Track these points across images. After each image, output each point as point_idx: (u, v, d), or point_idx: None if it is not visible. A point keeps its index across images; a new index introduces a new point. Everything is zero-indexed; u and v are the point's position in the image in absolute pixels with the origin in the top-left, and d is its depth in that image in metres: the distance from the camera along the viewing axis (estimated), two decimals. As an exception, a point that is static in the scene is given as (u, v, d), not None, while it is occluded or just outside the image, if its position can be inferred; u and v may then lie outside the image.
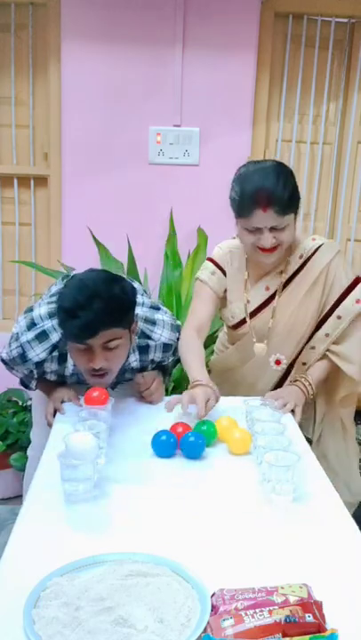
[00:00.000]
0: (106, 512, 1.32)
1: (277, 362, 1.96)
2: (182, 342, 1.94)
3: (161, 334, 1.88)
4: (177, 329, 1.94)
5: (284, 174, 1.75)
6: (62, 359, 1.80)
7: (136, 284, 1.93)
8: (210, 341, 2.27)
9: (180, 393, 1.79)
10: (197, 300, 2.00)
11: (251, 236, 1.77)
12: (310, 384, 1.90)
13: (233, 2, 2.97)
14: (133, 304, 1.70)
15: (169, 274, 3.04)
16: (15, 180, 3.20)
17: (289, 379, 1.97)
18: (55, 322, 1.75)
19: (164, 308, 1.96)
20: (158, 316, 1.89)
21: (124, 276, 1.82)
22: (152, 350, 1.88)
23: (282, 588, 0.98)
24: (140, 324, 1.83)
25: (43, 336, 1.77)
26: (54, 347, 1.78)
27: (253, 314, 1.94)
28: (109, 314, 1.60)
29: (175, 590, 1.02)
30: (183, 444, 1.55)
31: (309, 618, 0.92)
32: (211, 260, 2.00)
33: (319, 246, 1.90)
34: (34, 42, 3.08)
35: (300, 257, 1.89)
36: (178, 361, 2.09)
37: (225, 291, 1.98)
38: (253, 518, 1.30)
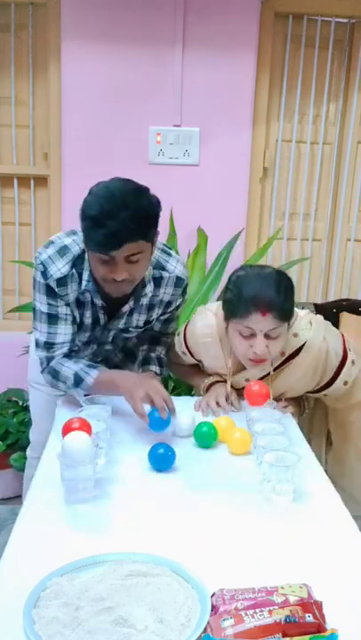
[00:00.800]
0: (106, 512, 1.32)
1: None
2: (174, 361, 2.03)
3: (175, 266, 1.84)
4: (187, 270, 1.91)
5: (285, 283, 1.70)
6: (78, 277, 1.74)
7: None
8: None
9: (181, 393, 1.80)
10: (179, 355, 1.99)
11: (243, 342, 1.68)
12: (306, 399, 1.93)
13: (233, 2, 2.97)
14: (158, 216, 1.64)
15: (169, 274, 3.03)
16: (15, 180, 3.20)
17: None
18: (75, 238, 1.73)
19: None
20: (172, 252, 1.89)
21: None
22: (165, 283, 1.83)
23: (282, 587, 0.98)
24: (157, 253, 1.79)
25: (64, 250, 1.72)
26: (74, 262, 1.72)
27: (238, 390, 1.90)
28: (137, 226, 1.54)
29: (175, 590, 1.02)
30: (151, 456, 1.50)
31: (309, 618, 0.92)
32: (185, 340, 1.93)
33: (303, 345, 1.80)
34: (34, 42, 3.07)
35: (282, 354, 1.80)
36: (169, 351, 2.08)
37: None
38: (253, 518, 1.30)
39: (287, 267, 3.01)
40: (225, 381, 1.88)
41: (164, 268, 1.83)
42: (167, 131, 3.09)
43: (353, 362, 1.83)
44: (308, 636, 0.89)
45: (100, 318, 1.83)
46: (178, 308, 1.95)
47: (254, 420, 1.63)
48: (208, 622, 0.94)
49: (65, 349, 1.81)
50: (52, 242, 1.76)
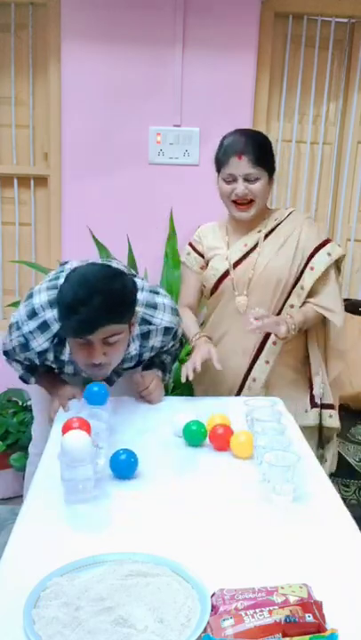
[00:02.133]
0: (106, 512, 1.32)
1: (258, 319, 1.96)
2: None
3: (162, 318, 1.86)
4: (177, 313, 1.93)
5: (261, 135, 2.06)
6: (62, 344, 1.78)
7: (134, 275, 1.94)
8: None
9: (181, 393, 1.80)
10: (184, 285, 2.22)
11: (227, 188, 2.00)
12: (291, 317, 1.96)
13: (233, 2, 2.97)
14: (134, 300, 1.69)
15: (169, 274, 3.04)
16: (15, 180, 3.20)
17: (270, 340, 2.03)
18: (55, 312, 1.73)
19: (163, 292, 1.95)
20: (158, 299, 1.88)
21: (125, 270, 1.81)
22: (153, 335, 1.85)
23: (282, 587, 0.98)
24: (141, 310, 1.80)
25: (44, 326, 1.76)
26: (55, 335, 1.76)
27: (233, 267, 2.06)
28: (110, 310, 1.58)
29: (175, 590, 1.02)
30: (113, 462, 1.47)
31: (309, 618, 0.92)
32: (189, 242, 2.20)
33: (291, 212, 2.12)
34: (34, 42, 3.07)
35: (275, 219, 2.09)
36: (176, 358, 2.09)
37: (202, 266, 2.15)
38: (253, 518, 1.30)
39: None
40: (209, 338, 2.04)
41: (150, 323, 1.84)
42: (167, 131, 3.09)
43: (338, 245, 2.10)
44: (308, 636, 0.89)
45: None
46: (172, 347, 1.98)
47: (254, 420, 1.63)
48: (208, 622, 0.94)
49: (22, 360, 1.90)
50: (36, 313, 1.76)
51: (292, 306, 2.03)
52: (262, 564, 1.13)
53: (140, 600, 0.98)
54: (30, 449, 2.17)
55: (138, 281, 1.80)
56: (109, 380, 2.05)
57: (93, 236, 3.01)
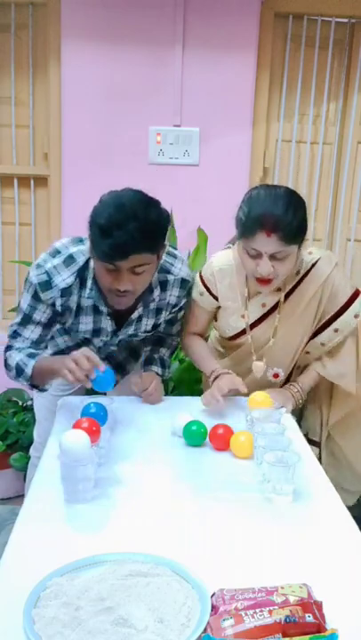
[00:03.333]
0: (106, 512, 1.32)
1: (275, 375, 1.96)
2: (187, 345, 2.03)
3: (180, 269, 1.85)
4: (191, 271, 1.91)
5: (295, 203, 1.69)
6: (83, 285, 1.74)
7: None
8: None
9: (181, 393, 1.80)
10: (192, 316, 2.00)
11: (250, 262, 1.71)
12: (300, 391, 1.92)
13: (233, 2, 2.97)
14: (167, 230, 1.65)
15: (169, 274, 3.03)
16: (15, 180, 3.20)
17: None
18: (81, 247, 1.73)
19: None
20: (177, 252, 1.89)
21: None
22: (170, 286, 1.84)
23: (282, 587, 0.98)
24: (162, 257, 1.77)
25: (69, 260, 1.72)
26: (79, 272, 1.73)
27: (251, 328, 1.91)
28: (144, 238, 1.54)
29: (175, 590, 1.02)
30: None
31: (309, 618, 0.92)
32: (201, 277, 1.94)
33: (316, 261, 1.85)
34: (34, 42, 3.07)
35: (298, 273, 1.84)
36: (174, 351, 2.10)
37: (217, 307, 1.96)
38: (253, 518, 1.30)
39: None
40: (229, 373, 1.88)
41: (169, 272, 1.83)
42: (167, 131, 3.09)
43: None
44: (308, 636, 0.89)
45: (108, 325, 1.83)
46: (182, 309, 1.95)
47: (254, 420, 1.63)
48: (208, 622, 0.94)
49: (24, 345, 1.81)
50: (59, 251, 1.76)
51: (308, 352, 1.94)
52: (262, 564, 1.13)
53: (140, 600, 0.98)
54: (32, 452, 2.17)
55: None
56: (114, 360, 2.05)
57: (93, 236, 3.01)
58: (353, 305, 1.85)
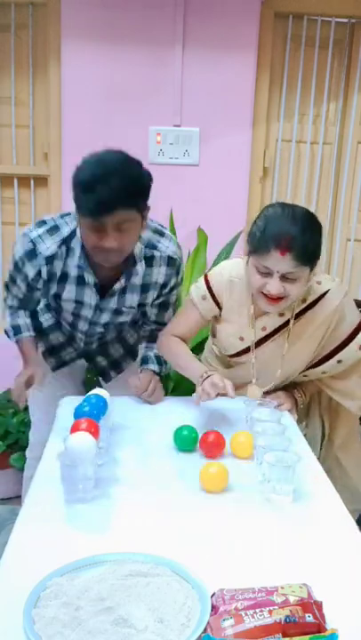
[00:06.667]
0: (106, 512, 1.32)
1: (266, 393, 1.90)
2: (168, 347, 1.91)
3: (167, 246, 1.85)
4: (180, 251, 1.91)
5: (312, 225, 1.65)
6: (69, 254, 1.78)
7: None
8: (197, 350, 2.22)
9: (181, 393, 1.80)
10: (183, 317, 1.94)
11: (259, 279, 1.65)
12: (303, 395, 1.92)
13: (233, 2, 2.97)
14: (149, 188, 1.66)
15: (169, 274, 3.03)
16: (15, 180, 3.20)
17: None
18: (67, 219, 1.79)
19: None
20: (165, 231, 1.90)
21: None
22: (157, 263, 1.84)
23: (282, 587, 0.98)
24: (148, 234, 1.82)
25: (54, 229, 1.77)
26: (64, 241, 1.77)
27: (247, 349, 1.86)
28: (126, 192, 1.56)
29: (175, 590, 1.02)
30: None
31: (309, 618, 0.92)
32: (207, 281, 1.87)
33: (326, 291, 1.78)
34: (34, 42, 3.07)
35: (304, 301, 1.78)
36: None
37: (213, 316, 1.91)
38: (253, 518, 1.30)
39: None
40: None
41: (155, 247, 1.83)
42: (167, 131, 3.09)
43: None
44: (308, 636, 0.89)
45: (91, 298, 1.85)
46: (173, 289, 1.93)
47: (254, 420, 1.63)
48: (208, 622, 0.94)
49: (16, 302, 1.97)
50: (45, 222, 1.81)
51: (305, 375, 1.89)
52: (262, 564, 1.13)
53: (140, 600, 0.98)
54: (28, 453, 2.18)
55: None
56: (106, 376, 2.06)
57: (93, 236, 3.01)
58: (358, 336, 1.80)
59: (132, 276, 1.82)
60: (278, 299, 1.66)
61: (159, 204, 3.10)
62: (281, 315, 1.80)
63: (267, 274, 1.63)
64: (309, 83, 3.17)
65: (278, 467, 1.35)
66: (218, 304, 1.86)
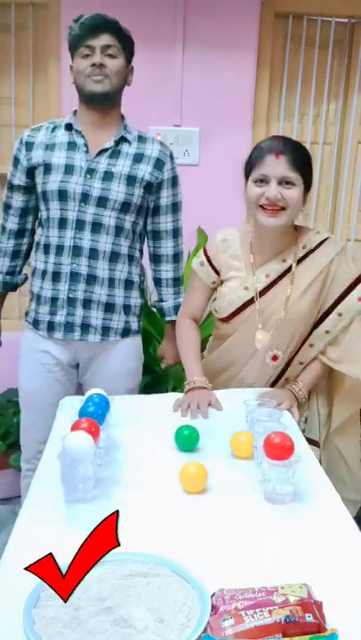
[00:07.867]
0: (106, 512, 1.31)
1: (274, 357, 1.92)
2: (179, 334, 2.03)
3: (152, 149, 2.08)
4: (171, 156, 2.13)
5: (301, 144, 1.85)
6: (58, 127, 2.08)
7: None
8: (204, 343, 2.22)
9: (181, 392, 1.79)
10: (190, 291, 2.05)
11: (257, 190, 1.76)
12: (301, 389, 1.92)
13: (233, 2, 2.97)
14: (132, 42, 2.07)
15: (169, 274, 3.02)
16: (15, 180, 3.19)
17: (283, 377, 1.96)
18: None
19: None
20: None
21: None
22: (150, 140, 2.11)
23: (282, 588, 0.98)
24: (135, 131, 2.11)
25: (50, 123, 2.12)
26: (54, 124, 2.10)
27: (251, 301, 1.89)
28: (111, 22, 1.98)
29: (175, 590, 1.02)
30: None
31: (309, 618, 0.92)
32: (205, 250, 1.99)
33: (323, 240, 1.90)
34: (34, 42, 3.08)
35: (304, 247, 1.88)
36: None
37: (213, 282, 1.96)
38: (253, 518, 1.30)
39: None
40: (206, 388, 1.88)
41: (145, 139, 2.11)
42: (167, 131, 3.09)
43: None
44: (308, 636, 0.89)
45: (82, 161, 2.01)
46: (161, 196, 2.12)
47: (254, 420, 1.63)
48: (208, 622, 0.94)
49: (8, 242, 2.18)
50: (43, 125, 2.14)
51: (311, 345, 1.91)
52: (262, 564, 1.13)
53: (140, 600, 0.98)
54: (23, 464, 2.20)
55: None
56: (87, 327, 2.10)
57: (93, 236, 3.01)
58: (356, 288, 1.86)
59: (124, 143, 2.05)
60: (278, 210, 1.76)
61: (159, 204, 3.13)
62: (283, 261, 1.88)
63: (264, 181, 1.76)
64: (309, 83, 3.17)
65: (278, 467, 1.35)
66: (214, 268, 1.95)
